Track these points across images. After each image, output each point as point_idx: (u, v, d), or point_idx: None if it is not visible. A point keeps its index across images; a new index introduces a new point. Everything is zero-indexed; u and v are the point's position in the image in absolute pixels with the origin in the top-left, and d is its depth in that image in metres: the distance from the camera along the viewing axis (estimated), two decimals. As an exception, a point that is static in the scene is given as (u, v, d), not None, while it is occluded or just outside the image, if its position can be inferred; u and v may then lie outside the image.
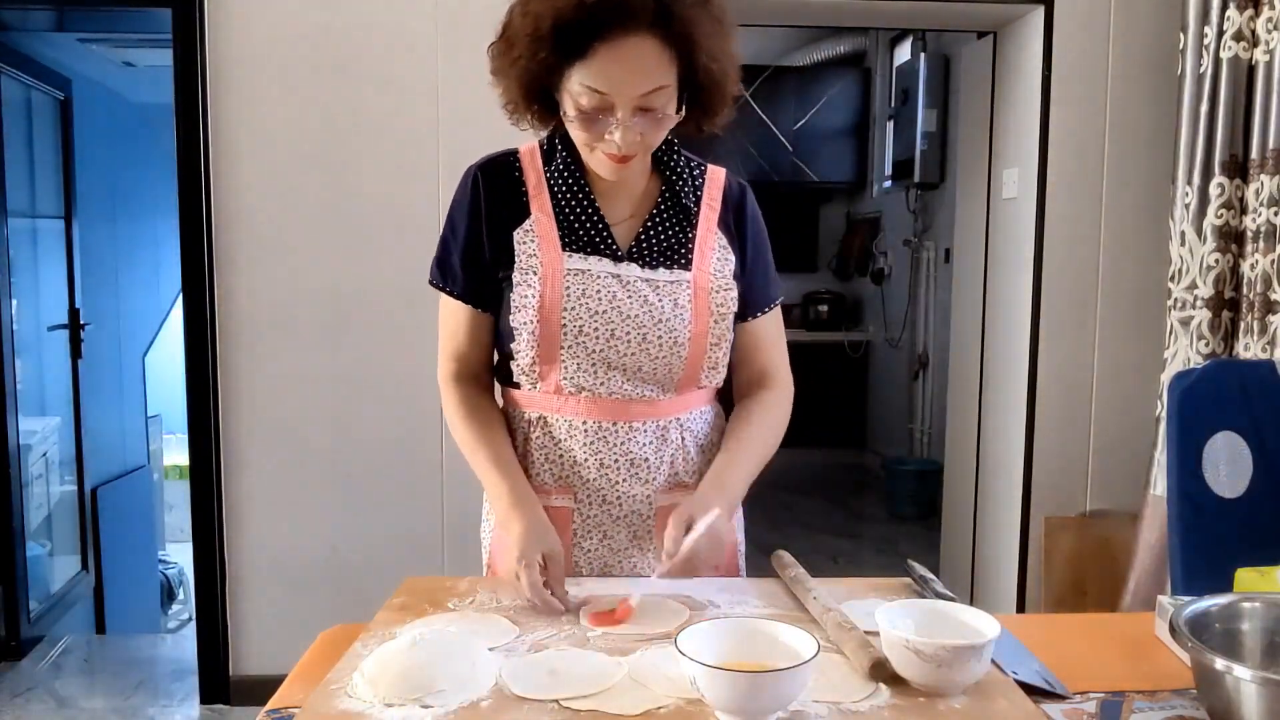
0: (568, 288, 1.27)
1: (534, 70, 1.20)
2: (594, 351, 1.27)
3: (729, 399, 1.45)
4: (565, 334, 1.27)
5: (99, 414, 4.23)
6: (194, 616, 3.01)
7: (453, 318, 1.36)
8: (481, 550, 1.46)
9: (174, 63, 2.79)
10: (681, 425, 1.35)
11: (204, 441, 2.89)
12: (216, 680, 2.98)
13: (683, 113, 1.24)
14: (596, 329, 1.27)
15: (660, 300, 1.28)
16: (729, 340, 1.32)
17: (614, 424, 1.31)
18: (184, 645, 3.44)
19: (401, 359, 2.89)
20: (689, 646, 0.92)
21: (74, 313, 4.02)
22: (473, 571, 1.47)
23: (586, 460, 1.32)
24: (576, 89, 1.18)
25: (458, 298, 1.34)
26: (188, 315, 2.86)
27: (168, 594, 5.00)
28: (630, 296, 1.28)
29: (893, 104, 5.61)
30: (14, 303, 3.50)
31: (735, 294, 1.32)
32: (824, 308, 6.32)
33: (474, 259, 1.32)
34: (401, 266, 2.87)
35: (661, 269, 1.30)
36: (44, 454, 3.87)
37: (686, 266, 1.31)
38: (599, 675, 0.99)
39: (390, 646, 1.01)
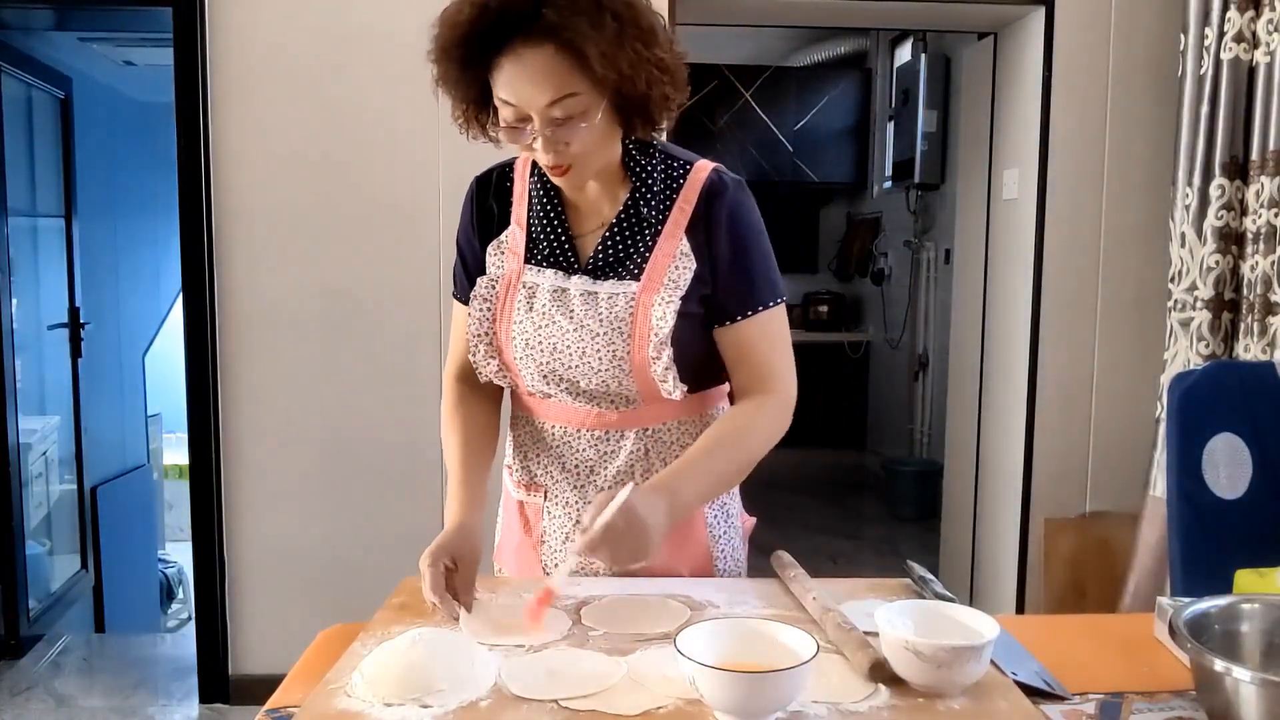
0: (519, 302, 1.29)
1: (460, 85, 1.20)
2: (542, 364, 1.28)
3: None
4: (515, 347, 1.29)
5: (99, 413, 4.23)
6: (193, 616, 3.01)
7: (459, 322, 1.40)
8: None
9: (174, 62, 2.79)
10: (650, 435, 1.32)
11: (204, 441, 2.89)
12: (216, 679, 2.98)
13: (598, 120, 1.16)
14: (540, 343, 1.27)
15: (600, 314, 1.25)
16: (669, 354, 1.23)
17: (578, 430, 1.32)
18: (183, 644, 3.43)
19: (401, 358, 2.89)
20: (688, 646, 0.92)
21: (74, 312, 4.02)
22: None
23: (552, 462, 1.35)
24: (498, 101, 1.18)
25: (463, 304, 1.38)
26: (188, 315, 2.86)
27: (167, 593, 5.00)
28: (570, 311, 1.26)
29: (893, 105, 5.60)
30: (14, 302, 3.50)
31: (675, 308, 1.23)
32: (824, 308, 6.33)
33: (473, 269, 1.36)
34: (401, 266, 2.87)
35: (611, 280, 1.26)
36: (44, 453, 3.87)
37: (636, 278, 1.25)
38: (598, 675, 0.99)
39: (390, 646, 1.01)
